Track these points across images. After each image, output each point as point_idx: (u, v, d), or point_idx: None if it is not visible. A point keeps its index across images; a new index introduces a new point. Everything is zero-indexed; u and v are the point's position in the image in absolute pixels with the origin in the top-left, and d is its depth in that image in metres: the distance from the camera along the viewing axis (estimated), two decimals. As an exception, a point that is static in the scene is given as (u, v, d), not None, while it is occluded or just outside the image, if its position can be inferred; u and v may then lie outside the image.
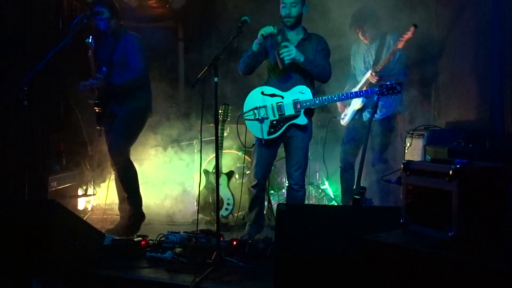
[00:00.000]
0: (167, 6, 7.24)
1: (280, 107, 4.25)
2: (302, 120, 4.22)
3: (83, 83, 4.55)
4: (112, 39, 4.61)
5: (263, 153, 4.37)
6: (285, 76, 4.28)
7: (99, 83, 4.45)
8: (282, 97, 4.26)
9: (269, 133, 4.25)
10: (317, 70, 4.21)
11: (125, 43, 4.57)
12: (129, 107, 4.62)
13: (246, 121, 4.32)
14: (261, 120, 4.24)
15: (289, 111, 4.24)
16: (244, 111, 4.31)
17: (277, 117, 4.24)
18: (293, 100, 4.23)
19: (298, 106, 4.21)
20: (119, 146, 4.60)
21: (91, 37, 4.46)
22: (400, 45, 4.44)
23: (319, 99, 4.21)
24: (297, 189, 4.37)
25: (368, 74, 4.69)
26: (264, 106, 4.25)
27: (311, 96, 4.21)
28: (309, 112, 4.29)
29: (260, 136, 4.28)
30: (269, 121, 4.25)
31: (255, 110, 4.26)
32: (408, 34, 4.39)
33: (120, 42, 4.58)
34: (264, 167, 4.42)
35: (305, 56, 4.15)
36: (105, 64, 4.53)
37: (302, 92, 4.22)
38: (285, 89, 4.26)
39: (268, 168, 4.50)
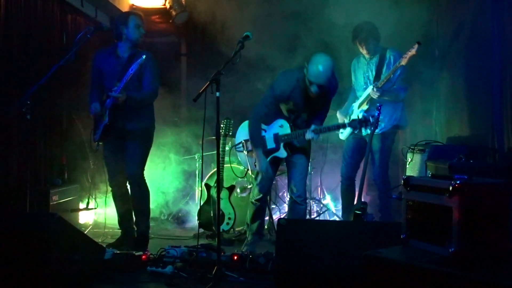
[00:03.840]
0: (170, 21, 7.30)
1: (264, 143, 4.37)
2: (281, 153, 4.32)
3: (94, 106, 4.55)
4: (128, 54, 4.56)
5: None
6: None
7: (122, 96, 4.34)
8: (265, 131, 4.39)
9: (255, 166, 4.40)
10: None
11: (142, 61, 4.48)
12: (141, 126, 4.59)
13: (237, 153, 4.57)
14: (248, 153, 4.44)
15: (270, 144, 4.37)
16: (236, 143, 4.56)
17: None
18: (273, 134, 4.34)
19: (277, 140, 4.32)
20: (138, 167, 4.61)
21: (144, 56, 4.36)
22: (404, 61, 4.47)
23: (296, 133, 4.24)
24: (300, 202, 4.41)
25: (369, 90, 4.71)
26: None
27: (290, 131, 4.27)
28: (290, 145, 4.33)
29: (247, 167, 4.56)
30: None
31: (243, 143, 4.49)
32: (412, 51, 4.42)
33: (135, 59, 4.51)
34: (269, 182, 4.55)
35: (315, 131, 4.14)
36: (117, 78, 4.41)
37: (281, 126, 4.32)
38: (269, 122, 4.36)
39: (271, 182, 4.64)
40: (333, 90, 4.26)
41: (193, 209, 6.08)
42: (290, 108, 4.30)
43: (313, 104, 4.24)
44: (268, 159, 4.36)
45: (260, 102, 4.35)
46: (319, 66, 3.97)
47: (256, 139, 4.32)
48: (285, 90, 4.19)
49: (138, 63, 4.28)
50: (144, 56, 4.30)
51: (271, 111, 4.30)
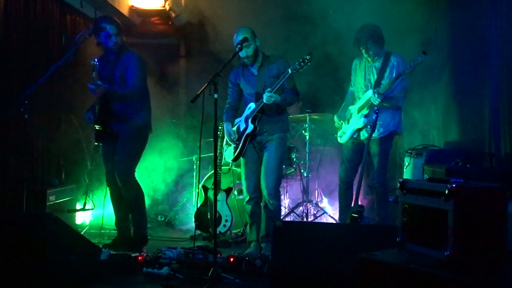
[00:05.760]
0: (170, 23, 7.32)
1: (238, 128, 4.62)
2: (249, 128, 4.48)
3: (88, 115, 4.66)
4: (114, 56, 4.63)
5: (249, 168, 4.57)
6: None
7: (100, 89, 4.40)
8: (240, 121, 4.62)
9: (234, 153, 4.58)
10: (285, 104, 4.47)
11: (126, 60, 4.58)
12: (131, 126, 4.61)
13: (224, 154, 4.77)
14: (229, 144, 4.67)
15: (242, 126, 4.56)
16: (223, 146, 4.80)
17: (237, 137, 4.58)
18: (244, 117, 4.57)
19: (246, 120, 4.52)
20: (126, 167, 4.60)
21: (96, 59, 4.46)
22: (409, 70, 4.42)
23: (257, 104, 4.42)
24: (269, 198, 4.43)
25: (369, 94, 4.70)
26: (231, 133, 4.63)
27: (254, 106, 4.47)
28: (257, 120, 4.45)
29: (229, 160, 4.74)
30: (234, 143, 4.60)
31: (226, 140, 4.72)
32: (418, 61, 4.36)
33: (121, 59, 4.60)
34: (254, 181, 4.56)
35: (273, 101, 4.27)
36: (107, 81, 4.54)
37: (249, 108, 4.54)
38: (241, 114, 4.65)
39: (257, 181, 4.60)
40: (278, 68, 4.43)
41: (190, 211, 6.08)
42: (249, 93, 4.57)
43: (267, 85, 4.38)
44: (242, 140, 4.49)
45: None
46: (236, 32, 4.40)
47: (224, 116, 4.72)
48: (232, 76, 4.69)
49: (93, 76, 4.41)
50: (94, 73, 4.41)
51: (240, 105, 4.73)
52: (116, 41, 4.58)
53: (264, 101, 4.25)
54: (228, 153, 4.71)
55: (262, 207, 4.56)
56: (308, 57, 4.12)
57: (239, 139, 4.54)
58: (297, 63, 4.15)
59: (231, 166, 5.27)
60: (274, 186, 4.45)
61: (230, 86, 4.73)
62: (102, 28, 4.53)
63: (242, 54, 4.37)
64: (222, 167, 5.32)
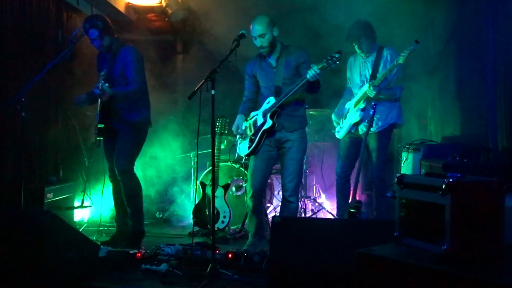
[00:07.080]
0: (166, 19, 7.29)
1: (255, 122, 4.49)
2: (267, 124, 4.38)
3: (78, 97, 4.63)
4: (110, 54, 4.62)
5: (258, 165, 4.50)
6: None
7: (105, 95, 4.37)
8: (257, 114, 4.52)
9: (249, 148, 4.48)
10: (317, 87, 4.30)
11: (123, 58, 4.57)
12: (130, 123, 4.61)
13: (237, 147, 4.68)
14: (244, 138, 4.56)
15: (260, 121, 4.46)
16: (237, 139, 4.68)
17: (253, 131, 4.48)
18: (262, 112, 4.47)
19: (265, 114, 4.42)
20: (125, 162, 4.61)
21: (105, 70, 4.45)
22: (402, 60, 4.42)
23: (276, 100, 4.34)
24: (290, 199, 4.43)
25: (365, 88, 4.71)
26: (246, 127, 4.56)
27: (274, 101, 4.37)
28: (275, 115, 4.35)
29: (243, 154, 4.64)
30: (249, 137, 4.50)
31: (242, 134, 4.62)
32: (410, 49, 4.38)
33: (119, 56, 4.59)
34: (260, 179, 4.52)
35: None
36: (106, 79, 4.52)
37: (268, 103, 4.43)
38: (259, 107, 4.54)
39: (264, 179, 4.59)
40: (297, 57, 4.36)
41: (188, 207, 6.09)
42: (267, 85, 4.47)
43: (286, 77, 4.33)
44: (258, 135, 4.40)
45: None
46: (252, 22, 4.33)
47: (240, 108, 4.66)
48: (248, 67, 4.61)
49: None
50: (102, 80, 4.36)
51: (258, 98, 4.65)
52: (102, 43, 4.55)
53: (308, 77, 4.02)
54: (242, 147, 4.60)
55: (281, 207, 4.56)
56: (337, 55, 3.99)
57: (255, 134, 4.44)
58: (324, 60, 4.01)
59: (244, 160, 5.19)
60: (294, 188, 4.42)
61: (246, 78, 4.64)
62: (88, 34, 4.52)
63: (257, 44, 4.32)
64: (232, 162, 5.32)
